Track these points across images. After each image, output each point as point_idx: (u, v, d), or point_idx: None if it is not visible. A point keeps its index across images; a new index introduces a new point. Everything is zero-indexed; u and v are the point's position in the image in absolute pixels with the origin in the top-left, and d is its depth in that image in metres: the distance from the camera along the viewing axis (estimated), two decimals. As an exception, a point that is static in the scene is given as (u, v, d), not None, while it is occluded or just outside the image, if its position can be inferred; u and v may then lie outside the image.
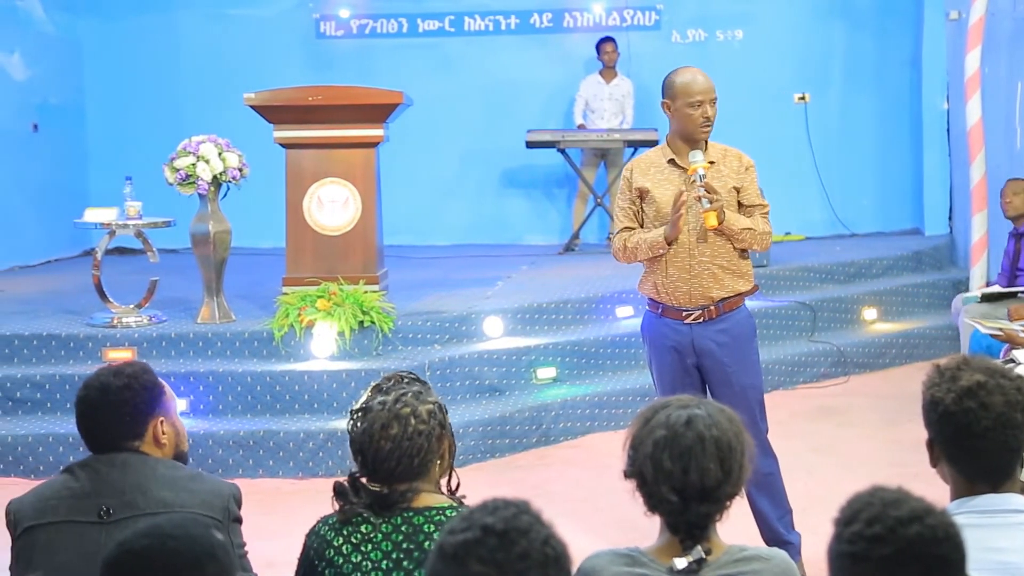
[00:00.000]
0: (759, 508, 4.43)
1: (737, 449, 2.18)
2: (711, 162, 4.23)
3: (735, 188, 4.26)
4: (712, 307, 4.25)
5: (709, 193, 4.12)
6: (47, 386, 6.22)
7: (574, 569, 1.83)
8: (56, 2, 10.21)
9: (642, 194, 4.29)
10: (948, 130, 9.67)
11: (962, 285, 8.27)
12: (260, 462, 5.93)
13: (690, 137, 4.23)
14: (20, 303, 7.53)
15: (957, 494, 2.34)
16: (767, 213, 4.34)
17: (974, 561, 1.82)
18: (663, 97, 4.29)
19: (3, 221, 9.28)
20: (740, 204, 4.29)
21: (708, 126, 4.20)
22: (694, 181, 4.18)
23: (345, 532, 2.54)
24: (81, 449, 2.81)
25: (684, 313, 4.27)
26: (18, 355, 6.42)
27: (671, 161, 4.26)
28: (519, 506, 1.73)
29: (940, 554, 1.73)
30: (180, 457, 2.88)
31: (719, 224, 4.13)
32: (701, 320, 4.26)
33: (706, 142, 4.27)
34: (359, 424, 2.56)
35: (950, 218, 9.74)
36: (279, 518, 5.17)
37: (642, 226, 4.32)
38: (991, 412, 2.26)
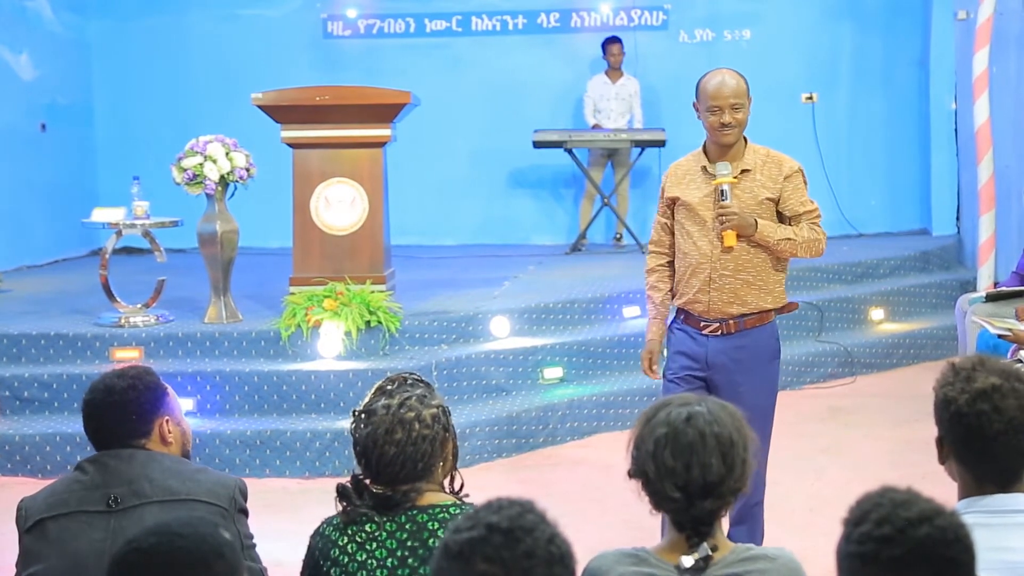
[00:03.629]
0: (732, 537, 4.35)
1: (739, 444, 2.19)
2: (746, 171, 4.06)
3: (769, 199, 4.07)
4: (731, 321, 4.09)
5: (725, 212, 3.99)
6: (55, 385, 6.23)
7: (580, 568, 1.83)
8: (64, 2, 10.23)
9: (674, 202, 4.18)
10: (956, 130, 9.66)
11: (970, 285, 8.25)
12: (267, 462, 5.94)
13: (714, 141, 4.10)
14: (28, 303, 7.55)
15: (965, 493, 2.33)
16: (816, 218, 4.11)
17: (983, 561, 1.82)
18: (695, 98, 4.16)
19: (11, 220, 9.30)
20: (780, 214, 4.10)
21: (727, 132, 4.03)
22: (717, 192, 4.05)
23: (350, 531, 2.54)
24: (88, 449, 2.83)
25: (703, 324, 4.13)
26: (26, 354, 6.43)
27: (703, 168, 4.13)
28: (524, 505, 1.73)
29: (950, 556, 1.73)
30: (184, 457, 2.90)
31: (736, 243, 4.01)
32: (719, 333, 4.10)
33: (745, 141, 4.12)
34: (363, 427, 2.56)
35: (958, 218, 9.72)
36: (286, 518, 5.18)
37: (673, 233, 4.22)
38: (1004, 416, 2.25)
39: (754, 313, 4.10)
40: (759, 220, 4.02)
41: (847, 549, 1.78)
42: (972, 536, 1.78)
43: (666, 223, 4.25)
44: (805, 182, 4.14)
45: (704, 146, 4.18)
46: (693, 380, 4.13)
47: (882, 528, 1.74)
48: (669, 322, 4.31)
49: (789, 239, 4.05)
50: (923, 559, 1.72)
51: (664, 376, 4.28)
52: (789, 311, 4.23)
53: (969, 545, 1.76)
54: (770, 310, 4.13)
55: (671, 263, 4.27)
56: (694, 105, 4.16)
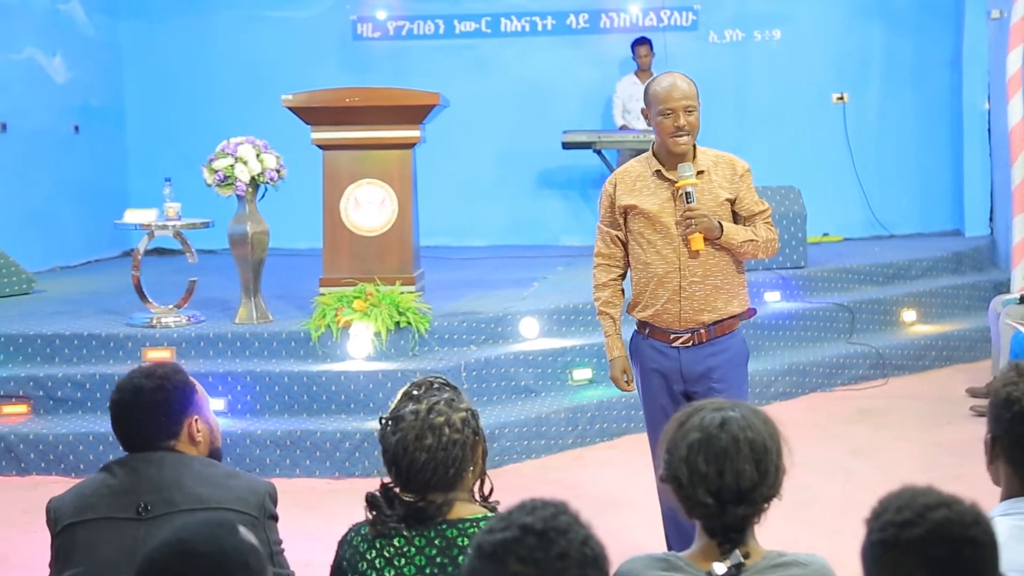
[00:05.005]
0: None
1: (772, 450, 2.17)
2: (700, 172, 3.96)
3: (728, 200, 3.99)
4: (703, 330, 3.99)
5: (694, 214, 3.88)
6: (87, 385, 6.28)
7: (611, 572, 1.82)
8: (97, 5, 10.31)
9: (627, 211, 4.02)
10: (989, 130, 9.58)
11: (1003, 287, 8.18)
12: (297, 462, 5.96)
13: (667, 148, 3.95)
14: (61, 303, 7.61)
15: (1009, 493, 2.31)
16: (768, 217, 4.06)
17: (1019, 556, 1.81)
18: (643, 104, 4.05)
19: (44, 222, 9.38)
20: (736, 215, 4.03)
21: (681, 136, 3.90)
22: (680, 195, 3.92)
23: (378, 545, 2.50)
24: (121, 448, 2.83)
25: (672, 336, 4.00)
26: (59, 355, 6.48)
27: (657, 173, 3.98)
28: (558, 506, 1.73)
29: (969, 536, 1.73)
30: (215, 453, 2.89)
31: (703, 247, 3.91)
32: (690, 344, 3.99)
33: (695, 148, 4.00)
34: (392, 434, 2.52)
35: (991, 219, 9.65)
36: (316, 518, 5.19)
37: (625, 245, 4.10)
38: None
39: (724, 319, 4.01)
40: (723, 222, 3.95)
41: (869, 540, 1.79)
42: (993, 523, 1.78)
43: (617, 235, 4.08)
44: (751, 180, 4.08)
45: (653, 152, 4.04)
46: (680, 399, 3.99)
47: (902, 513, 1.75)
48: (630, 336, 4.19)
49: (752, 240, 3.99)
50: (943, 539, 1.72)
51: (641, 396, 4.17)
52: (749, 317, 4.13)
53: (989, 528, 1.76)
54: (737, 315, 4.05)
55: (622, 276, 4.16)
56: (643, 112, 4.05)
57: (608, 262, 4.14)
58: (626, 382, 4.15)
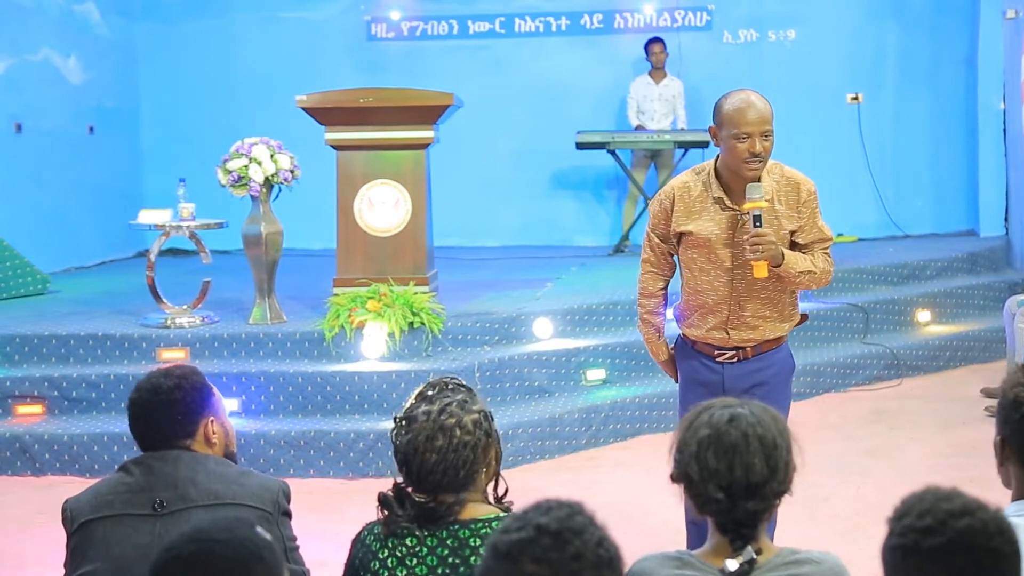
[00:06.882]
0: None
1: (782, 446, 2.18)
2: (767, 200, 3.69)
3: (791, 231, 3.76)
4: (748, 348, 3.85)
5: (762, 240, 3.62)
6: (102, 386, 6.30)
7: (624, 571, 1.82)
8: (112, 6, 10.34)
9: (683, 235, 3.82)
10: (1004, 130, 9.55)
11: (1018, 287, 8.16)
12: (311, 462, 5.97)
13: (736, 173, 3.68)
14: (75, 304, 7.64)
15: (1020, 495, 2.30)
16: (829, 247, 3.83)
17: None
18: (712, 120, 3.77)
19: (59, 222, 9.42)
20: (794, 243, 3.79)
21: (755, 163, 3.63)
22: (744, 223, 3.68)
23: (390, 545, 2.51)
24: (135, 448, 2.85)
25: (717, 352, 3.87)
26: (73, 355, 6.50)
27: (720, 201, 3.74)
28: (573, 507, 1.73)
29: (991, 547, 1.73)
30: (230, 456, 2.91)
31: (767, 275, 3.69)
32: (735, 360, 3.86)
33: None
34: (403, 435, 2.52)
35: (1006, 219, 9.61)
36: (330, 518, 5.20)
37: (671, 257, 3.97)
38: None
39: (771, 339, 3.88)
40: (784, 251, 3.71)
41: (890, 543, 1.79)
42: (1017, 532, 1.77)
43: (668, 250, 3.92)
44: (818, 204, 3.83)
45: (715, 170, 3.78)
46: None
47: (924, 520, 1.75)
48: (678, 338, 4.05)
49: (810, 271, 3.76)
50: (964, 549, 1.72)
51: (680, 401, 4.07)
52: (800, 323, 4.02)
53: (1012, 538, 1.75)
54: (786, 332, 3.93)
55: (668, 282, 4.04)
56: (711, 130, 3.77)
57: (657, 271, 4.00)
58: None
